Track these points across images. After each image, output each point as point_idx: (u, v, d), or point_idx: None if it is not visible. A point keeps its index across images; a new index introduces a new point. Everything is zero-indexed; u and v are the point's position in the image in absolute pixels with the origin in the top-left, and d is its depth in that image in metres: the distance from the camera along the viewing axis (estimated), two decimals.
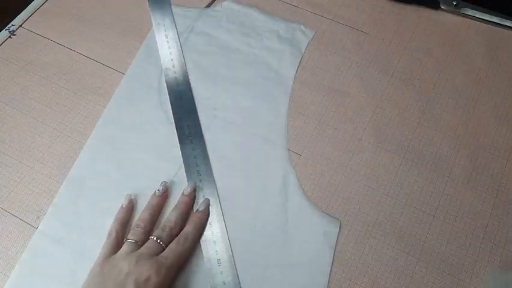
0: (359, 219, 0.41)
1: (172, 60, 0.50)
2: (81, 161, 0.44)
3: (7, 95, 0.49)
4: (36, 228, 0.41)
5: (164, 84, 0.49)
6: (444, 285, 0.38)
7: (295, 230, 0.41)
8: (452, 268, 0.39)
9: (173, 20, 0.53)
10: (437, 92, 0.48)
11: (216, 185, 0.43)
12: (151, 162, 0.44)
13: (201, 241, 0.40)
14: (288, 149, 0.45)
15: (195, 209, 0.41)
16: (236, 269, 0.39)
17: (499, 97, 0.48)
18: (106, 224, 0.41)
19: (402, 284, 0.38)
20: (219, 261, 0.39)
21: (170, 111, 0.47)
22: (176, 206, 0.41)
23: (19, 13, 0.54)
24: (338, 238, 0.40)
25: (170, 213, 0.40)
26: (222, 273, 0.39)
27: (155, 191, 0.42)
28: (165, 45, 0.51)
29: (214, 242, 0.40)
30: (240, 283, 0.38)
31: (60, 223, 0.41)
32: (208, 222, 0.41)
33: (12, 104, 0.48)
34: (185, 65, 0.50)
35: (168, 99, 0.48)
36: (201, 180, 0.43)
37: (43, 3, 0.55)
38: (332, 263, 0.39)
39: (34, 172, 0.44)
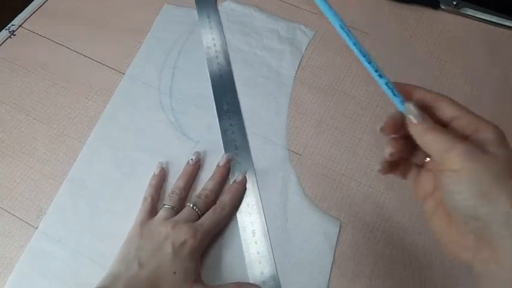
0: (359, 219, 0.41)
1: (213, 39, 0.51)
2: (81, 161, 0.44)
3: (7, 94, 0.49)
4: (36, 228, 0.41)
5: (165, 84, 0.49)
6: (445, 285, 0.38)
7: (295, 230, 0.41)
8: (451, 267, 0.39)
9: (215, 0, 0.54)
10: (437, 91, 0.48)
11: (252, 158, 0.44)
12: (151, 162, 0.44)
13: (236, 212, 0.41)
14: (288, 149, 0.45)
15: (231, 181, 0.43)
16: (270, 240, 0.40)
17: (500, 97, 0.48)
18: (106, 224, 0.41)
19: (402, 284, 0.38)
20: (253, 232, 0.40)
21: (171, 110, 0.47)
22: (212, 176, 0.43)
23: (19, 13, 0.54)
24: (338, 238, 0.40)
25: (206, 183, 0.42)
26: (256, 243, 0.40)
27: (188, 160, 0.43)
28: (206, 25, 0.52)
29: (249, 213, 0.41)
30: (273, 253, 0.40)
31: (61, 223, 0.41)
32: (244, 195, 0.42)
33: (12, 103, 0.48)
34: (226, 44, 0.51)
35: (169, 100, 0.48)
36: (237, 155, 0.44)
37: (43, 3, 0.55)
38: (332, 263, 0.39)
39: (34, 172, 0.44)
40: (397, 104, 0.27)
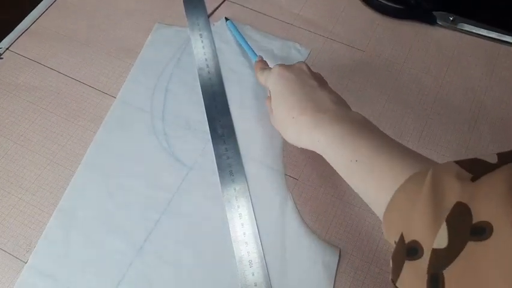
0: (359, 246, 0.40)
1: (206, 60, 0.50)
2: (71, 190, 0.43)
3: None
4: (26, 262, 0.40)
5: (157, 107, 0.47)
6: None
7: (293, 260, 0.40)
8: None
9: (208, 19, 0.53)
10: (436, 110, 0.47)
11: (248, 185, 0.43)
12: (144, 190, 0.43)
13: (232, 241, 0.40)
14: (285, 174, 0.44)
15: (226, 208, 0.42)
16: (268, 271, 0.39)
17: (499, 115, 0.47)
18: (99, 257, 0.40)
19: None
20: (250, 262, 0.39)
21: (164, 135, 0.46)
22: None
23: (6, 35, 0.52)
24: (337, 267, 0.39)
25: None
26: (253, 274, 0.39)
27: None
28: (199, 45, 0.51)
29: (246, 243, 0.40)
30: (271, 285, 0.38)
31: (51, 257, 0.40)
32: (240, 223, 0.41)
33: None
34: (219, 64, 0.50)
35: (162, 124, 0.46)
36: (233, 181, 0.43)
37: (31, 25, 0.53)
38: None
39: (23, 203, 0.43)
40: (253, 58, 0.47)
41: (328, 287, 0.38)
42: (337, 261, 0.39)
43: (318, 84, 0.38)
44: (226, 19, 0.52)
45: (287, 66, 0.40)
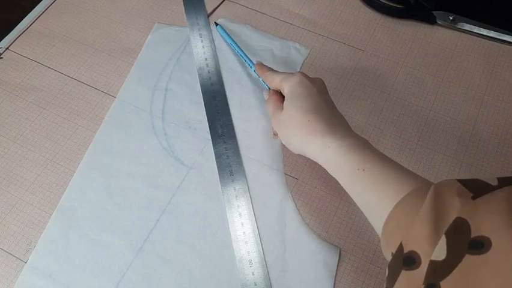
0: (358, 245, 0.40)
1: (206, 59, 0.50)
2: (71, 190, 0.43)
3: None
4: (26, 262, 0.40)
5: (157, 107, 0.47)
6: None
7: (294, 259, 0.40)
8: None
9: (208, 19, 0.53)
10: (436, 110, 0.47)
11: (248, 184, 0.43)
12: (144, 190, 0.43)
13: (232, 241, 0.40)
14: (285, 173, 0.44)
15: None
16: (268, 271, 0.39)
17: (499, 114, 0.47)
18: (99, 257, 0.40)
19: None
20: (250, 262, 0.39)
21: (164, 135, 0.46)
22: None
23: (6, 35, 0.52)
24: (337, 266, 0.39)
25: None
26: (253, 273, 0.39)
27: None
28: (199, 45, 0.51)
29: (246, 242, 0.40)
30: (271, 284, 0.38)
31: (51, 256, 0.40)
32: (240, 223, 0.41)
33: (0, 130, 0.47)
34: (219, 64, 0.50)
35: (162, 124, 0.46)
36: (233, 181, 0.43)
37: (30, 25, 0.53)
38: None
39: (23, 203, 0.43)
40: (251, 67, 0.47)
41: (328, 287, 0.38)
42: (337, 260, 0.39)
43: (331, 102, 0.40)
44: (216, 24, 0.52)
45: (308, 76, 0.40)
